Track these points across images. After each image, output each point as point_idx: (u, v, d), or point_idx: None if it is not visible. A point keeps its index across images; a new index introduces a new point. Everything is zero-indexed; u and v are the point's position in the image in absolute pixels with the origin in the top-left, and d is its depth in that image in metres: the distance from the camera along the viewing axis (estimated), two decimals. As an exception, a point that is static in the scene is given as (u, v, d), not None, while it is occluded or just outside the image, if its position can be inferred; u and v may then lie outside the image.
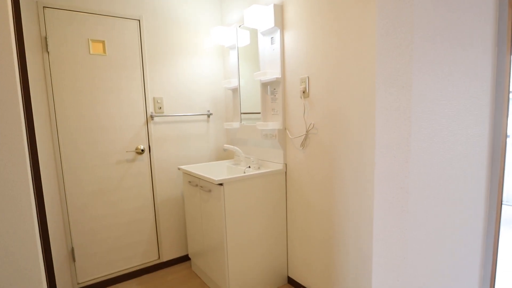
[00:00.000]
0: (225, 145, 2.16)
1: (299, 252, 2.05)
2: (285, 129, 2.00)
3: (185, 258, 2.60)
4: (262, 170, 1.99)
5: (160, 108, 2.32)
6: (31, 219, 1.10)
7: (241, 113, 2.37)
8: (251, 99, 2.25)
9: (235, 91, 2.40)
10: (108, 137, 2.14)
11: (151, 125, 2.30)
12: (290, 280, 2.18)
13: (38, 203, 1.87)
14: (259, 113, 2.17)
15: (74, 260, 2.12)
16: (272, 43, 1.98)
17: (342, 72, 1.58)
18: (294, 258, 2.11)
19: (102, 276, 2.24)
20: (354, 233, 1.63)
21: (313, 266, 1.95)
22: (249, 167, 2.20)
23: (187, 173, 2.21)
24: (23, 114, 1.17)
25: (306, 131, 1.84)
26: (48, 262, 1.98)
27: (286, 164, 2.05)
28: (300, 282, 2.09)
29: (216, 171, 2.40)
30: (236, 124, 2.34)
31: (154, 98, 2.30)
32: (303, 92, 1.81)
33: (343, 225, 1.69)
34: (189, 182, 2.18)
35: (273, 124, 1.96)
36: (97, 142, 2.11)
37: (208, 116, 2.57)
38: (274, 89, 2.01)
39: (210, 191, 1.91)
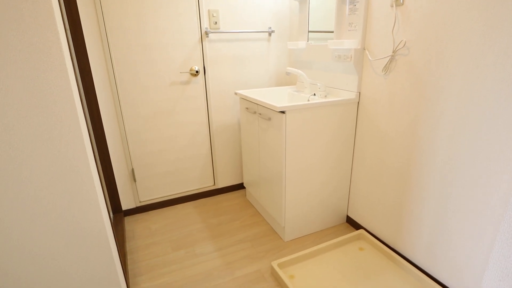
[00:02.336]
0: (288, 67, 1.87)
1: (364, 192, 1.84)
2: (364, 49, 1.63)
3: (240, 187, 2.56)
4: (329, 99, 1.70)
5: (216, 23, 2.05)
6: (80, 138, 1.00)
7: (308, 31, 2.00)
8: (321, 15, 1.87)
9: (303, 2, 2.00)
10: (161, 56, 1.97)
11: (206, 43, 2.06)
12: (349, 220, 2.02)
13: (97, 124, 1.84)
14: (331, 31, 1.79)
15: (135, 180, 2.16)
16: None
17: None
18: (357, 198, 1.91)
19: (161, 197, 2.29)
20: (439, 186, 1.34)
21: (379, 210, 1.74)
22: (314, 94, 1.92)
23: (244, 99, 2.00)
24: (62, 27, 0.99)
25: (393, 51, 1.46)
26: (111, 179, 2.03)
27: (359, 93, 1.73)
28: (360, 224, 1.92)
29: (276, 97, 2.16)
30: (301, 44, 2.00)
31: (209, 10, 2.01)
32: (396, -2, 1.39)
33: (426, 170, 1.40)
34: (247, 108, 1.99)
35: (350, 43, 1.60)
36: (150, 61, 1.95)
37: (270, 34, 2.24)
38: (355, -4, 1.60)
39: (269, 119, 1.70)
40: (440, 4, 1.23)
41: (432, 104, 1.32)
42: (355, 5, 1.60)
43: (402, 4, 1.38)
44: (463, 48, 1.17)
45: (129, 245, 1.89)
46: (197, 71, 2.07)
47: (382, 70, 1.55)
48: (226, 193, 2.50)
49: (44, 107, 0.93)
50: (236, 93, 2.06)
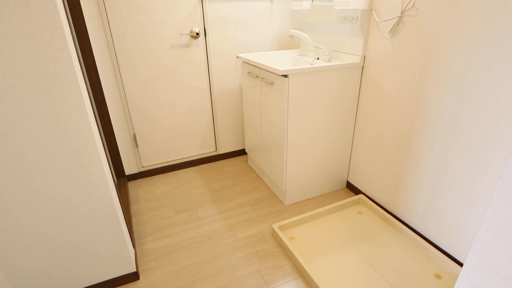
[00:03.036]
0: (291, 30, 1.81)
1: (365, 158, 1.85)
2: (371, 9, 1.57)
3: (242, 152, 2.57)
4: (333, 63, 1.66)
5: (217, -18, 1.95)
6: (80, 100, 0.99)
7: (313, -9, 1.92)
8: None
9: (308, -41, 1.90)
10: (160, 17, 1.90)
11: (206, 3, 1.98)
12: (349, 185, 2.06)
13: (96, 87, 1.81)
14: (336, -10, 1.71)
15: (137, 145, 2.17)
16: None
17: None
18: (357, 164, 1.93)
19: (163, 162, 2.32)
20: (438, 152, 1.34)
21: (379, 176, 1.76)
22: (318, 58, 1.87)
23: (246, 62, 1.96)
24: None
25: (401, 12, 1.41)
26: (113, 144, 2.04)
27: (364, 57, 1.68)
28: (360, 189, 1.95)
29: (278, 61, 2.12)
30: (306, 4, 1.92)
31: (209, -32, 1.92)
32: (406, -47, 1.32)
33: (427, 136, 1.39)
34: (249, 72, 1.95)
35: (356, 2, 1.53)
36: (149, 22, 1.88)
37: (272, -6, 2.15)
38: (363, -48, 1.51)
39: (272, 83, 1.68)
40: (453, -41, 1.16)
41: (439, 69, 1.29)
42: (363, -38, 1.52)
43: (413, -40, 1.30)
44: (475, 8, 1.12)
45: (133, 209, 1.94)
46: (197, 33, 2.01)
47: (389, 33, 1.49)
48: (227, 159, 2.53)
49: (43, 67, 0.91)
50: (237, 57, 2.01)
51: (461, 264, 1.39)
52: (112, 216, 1.22)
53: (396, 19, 1.44)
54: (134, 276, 1.40)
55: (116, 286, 1.38)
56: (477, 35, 1.13)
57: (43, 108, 0.96)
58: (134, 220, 1.83)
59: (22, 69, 0.89)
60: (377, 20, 1.54)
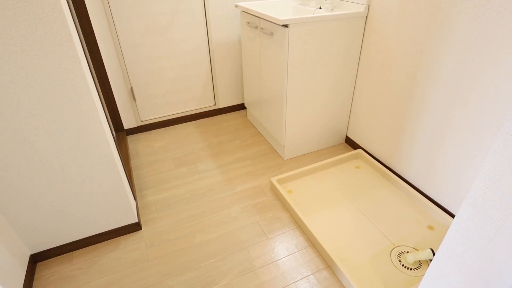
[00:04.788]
0: (293, -25, 1.69)
1: (365, 113, 1.83)
2: (380, -49, 1.45)
3: (241, 107, 2.55)
4: (336, 12, 1.57)
5: None
6: (73, 49, 0.95)
7: None
8: None
9: None
10: (153, -40, 1.77)
11: None
12: (348, 140, 2.06)
13: (89, 37, 1.73)
14: None
15: (134, 99, 2.14)
16: None
17: None
18: (357, 119, 1.92)
19: (162, 116, 2.30)
20: (439, 106, 1.31)
21: (378, 131, 1.75)
22: (320, 8, 1.78)
23: (245, 12, 1.86)
24: None
25: (412, -46, 1.30)
26: (110, 97, 2.01)
27: (369, 6, 1.60)
28: (359, 144, 1.96)
29: (279, 11, 2.01)
30: None
31: None
32: None
33: (428, 91, 1.36)
34: (248, 23, 1.86)
35: None
36: (141, -34, 1.76)
37: None
38: None
39: (272, 34, 1.61)
40: None
41: (446, 23, 1.23)
42: None
43: None
44: None
45: (133, 162, 1.96)
46: (193, -20, 1.88)
47: (397, -22, 1.40)
48: (226, 113, 2.51)
49: (31, 13, 0.86)
50: (236, 5, 1.91)
51: (453, 216, 1.44)
52: (112, 169, 1.23)
53: (406, -37, 1.34)
54: (136, 227, 1.45)
55: (120, 235, 1.44)
56: (492, -20, 1.06)
57: (35, 58, 0.92)
58: (134, 173, 1.86)
59: (8, 14, 0.84)
60: (385, -37, 1.44)
